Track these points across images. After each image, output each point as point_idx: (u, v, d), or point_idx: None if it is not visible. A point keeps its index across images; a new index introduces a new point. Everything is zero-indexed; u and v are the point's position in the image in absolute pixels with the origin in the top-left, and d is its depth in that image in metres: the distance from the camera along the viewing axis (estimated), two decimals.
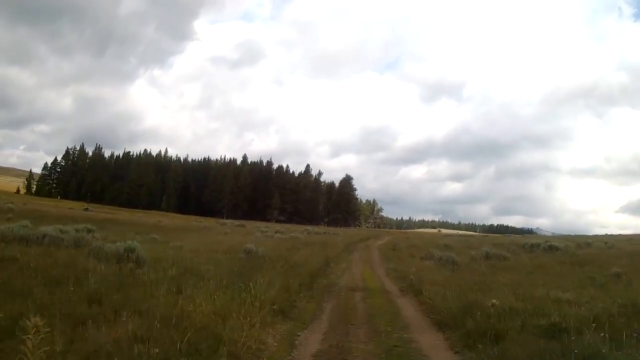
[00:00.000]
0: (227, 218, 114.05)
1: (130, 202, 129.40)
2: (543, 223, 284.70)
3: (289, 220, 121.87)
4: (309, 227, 56.56)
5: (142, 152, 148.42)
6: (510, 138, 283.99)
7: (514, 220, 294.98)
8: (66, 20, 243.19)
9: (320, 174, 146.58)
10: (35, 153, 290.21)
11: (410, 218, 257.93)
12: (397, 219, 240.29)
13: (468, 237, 53.16)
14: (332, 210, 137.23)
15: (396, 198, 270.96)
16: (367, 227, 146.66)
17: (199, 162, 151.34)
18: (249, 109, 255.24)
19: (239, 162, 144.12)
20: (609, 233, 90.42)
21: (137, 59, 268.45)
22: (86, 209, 68.91)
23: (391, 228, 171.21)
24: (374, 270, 19.55)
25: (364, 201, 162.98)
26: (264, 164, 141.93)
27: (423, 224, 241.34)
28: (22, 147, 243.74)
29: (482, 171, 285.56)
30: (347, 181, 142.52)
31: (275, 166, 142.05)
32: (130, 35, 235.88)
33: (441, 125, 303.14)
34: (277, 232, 41.82)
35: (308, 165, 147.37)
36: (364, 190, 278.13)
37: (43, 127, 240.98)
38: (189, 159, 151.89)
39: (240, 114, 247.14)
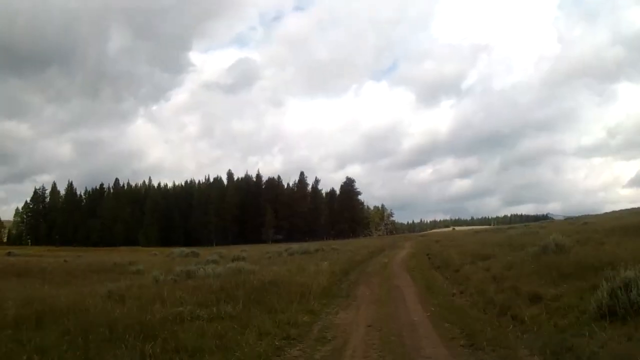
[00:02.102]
0: (216, 244, 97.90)
1: (104, 240, 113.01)
2: (554, 207, 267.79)
3: (287, 238, 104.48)
4: (295, 245, 39.85)
5: (113, 183, 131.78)
6: (512, 126, 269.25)
7: (525, 209, 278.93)
8: (55, 67, 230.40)
9: (317, 181, 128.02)
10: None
11: (421, 220, 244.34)
12: (407, 222, 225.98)
13: (525, 230, 36.03)
14: (336, 221, 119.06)
15: (404, 202, 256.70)
16: (379, 234, 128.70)
17: (181, 186, 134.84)
18: (250, 132, 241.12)
19: (225, 180, 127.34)
20: (620, 208, 76.23)
21: (134, 97, 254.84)
22: (9, 253, 53.29)
23: (403, 233, 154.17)
24: None
25: (372, 208, 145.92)
26: (253, 179, 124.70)
27: (435, 224, 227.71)
28: (26, 200, 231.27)
29: (487, 164, 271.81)
30: (348, 185, 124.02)
31: (264, 179, 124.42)
32: (124, 74, 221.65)
33: (443, 123, 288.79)
34: (234, 259, 25.79)
35: (302, 173, 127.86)
36: (372, 198, 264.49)
37: (45, 177, 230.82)
38: (169, 186, 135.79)
39: (242, 139, 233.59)
